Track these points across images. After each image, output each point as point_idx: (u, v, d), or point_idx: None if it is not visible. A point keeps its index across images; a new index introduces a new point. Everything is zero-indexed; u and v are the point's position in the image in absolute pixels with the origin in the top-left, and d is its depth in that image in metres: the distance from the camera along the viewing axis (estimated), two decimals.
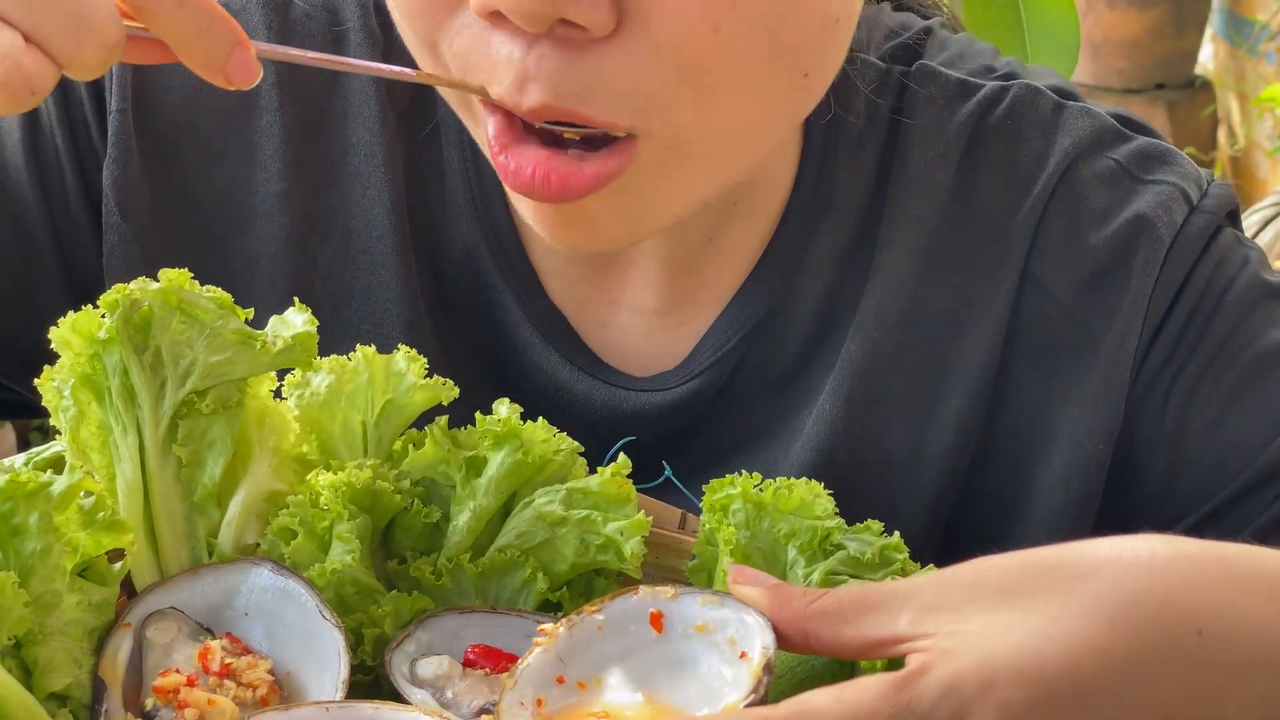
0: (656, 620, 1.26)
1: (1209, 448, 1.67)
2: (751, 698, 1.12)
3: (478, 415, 1.49)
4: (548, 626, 1.27)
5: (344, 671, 1.33)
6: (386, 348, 1.50)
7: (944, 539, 1.78)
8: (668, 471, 1.59)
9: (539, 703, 1.20)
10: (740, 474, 1.43)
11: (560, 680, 1.24)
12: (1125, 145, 1.75)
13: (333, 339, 1.46)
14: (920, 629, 1.09)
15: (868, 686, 1.05)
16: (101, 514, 1.36)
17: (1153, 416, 1.69)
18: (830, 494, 1.41)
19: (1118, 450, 1.71)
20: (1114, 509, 1.73)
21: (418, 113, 1.78)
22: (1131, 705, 1.03)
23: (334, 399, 1.49)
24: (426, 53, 1.45)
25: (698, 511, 1.51)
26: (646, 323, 1.77)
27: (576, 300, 1.78)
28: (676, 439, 1.72)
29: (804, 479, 1.42)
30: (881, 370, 1.73)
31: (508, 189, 1.47)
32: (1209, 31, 7.17)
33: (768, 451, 1.75)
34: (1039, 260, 1.73)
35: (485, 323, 1.78)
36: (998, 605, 1.07)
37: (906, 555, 1.40)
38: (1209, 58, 7.31)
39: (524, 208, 1.50)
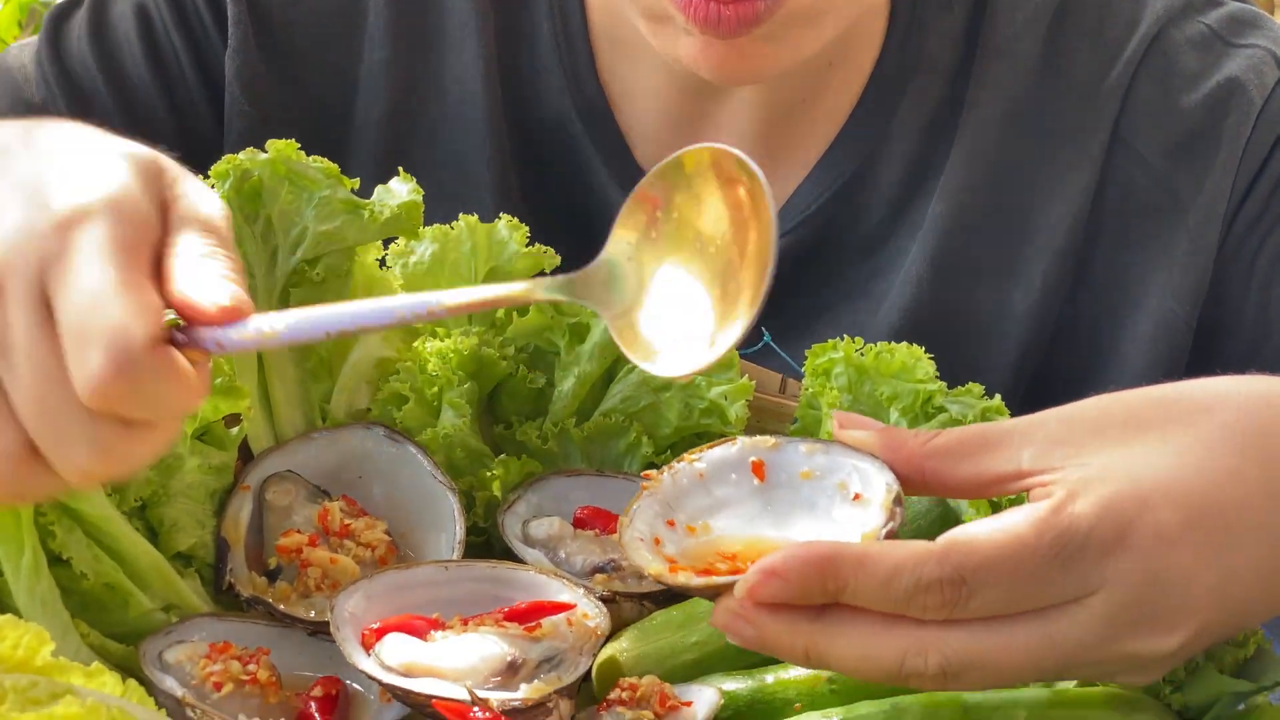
0: (759, 469, 1.25)
1: None
2: (890, 525, 1.10)
3: None
4: (651, 473, 1.26)
5: (460, 532, 1.36)
6: (478, 211, 1.52)
7: (1025, 404, 1.80)
8: (767, 337, 1.60)
9: (656, 541, 1.20)
10: (842, 338, 1.45)
11: (671, 524, 1.23)
12: (1215, 10, 1.75)
13: (427, 203, 1.48)
14: (1045, 463, 1.04)
15: (1020, 516, 1.02)
16: (219, 379, 1.39)
17: (1240, 279, 1.70)
18: (931, 358, 1.43)
19: (1204, 313, 1.72)
20: (1199, 374, 1.74)
21: None
22: (1266, 532, 1.04)
23: (438, 267, 1.51)
24: None
25: (796, 375, 1.54)
26: None
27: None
28: (767, 302, 1.73)
29: (904, 343, 1.44)
30: (968, 233, 1.74)
31: (650, 32, 1.53)
32: None
33: (855, 314, 1.76)
34: (1128, 124, 1.73)
35: (575, 188, 1.80)
36: (1126, 438, 1.06)
37: (1008, 417, 1.41)
38: None
39: (688, 49, 1.52)
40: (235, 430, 1.43)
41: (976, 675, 1.00)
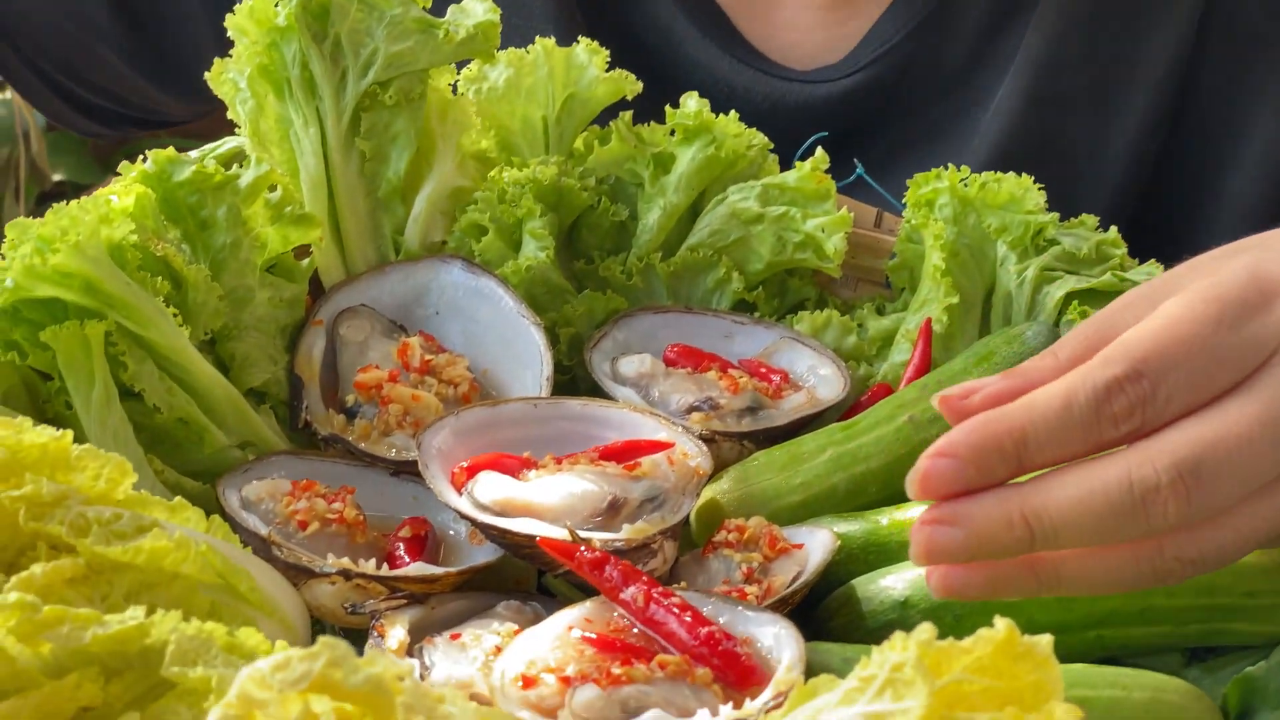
0: None
1: None
2: None
3: (667, 110, 1.42)
4: None
5: (548, 368, 1.29)
6: (533, 41, 1.43)
7: (1125, 238, 1.72)
8: (860, 169, 1.52)
9: None
10: (946, 167, 1.37)
11: None
12: None
13: None
14: None
15: (1169, 304, 0.95)
16: (289, 208, 1.31)
17: None
18: (1041, 188, 1.35)
19: None
20: None
21: None
22: None
23: (513, 93, 1.43)
24: None
25: (893, 209, 1.46)
26: (813, 17, 1.69)
27: None
28: (847, 138, 1.65)
29: (1012, 173, 1.36)
30: (1064, 65, 1.65)
31: None
32: None
33: (943, 151, 1.68)
34: None
35: (638, 15, 1.71)
36: None
37: (1125, 251, 1.34)
38: None
39: None
40: (305, 262, 1.36)
41: (1213, 468, 0.89)
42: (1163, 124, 1.67)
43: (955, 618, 1.08)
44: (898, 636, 0.77)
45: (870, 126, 1.69)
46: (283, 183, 1.32)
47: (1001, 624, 0.76)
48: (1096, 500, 0.89)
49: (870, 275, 1.45)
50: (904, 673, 0.76)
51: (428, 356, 1.29)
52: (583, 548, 1.08)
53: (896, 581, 1.11)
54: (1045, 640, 0.77)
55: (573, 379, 1.36)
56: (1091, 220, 1.35)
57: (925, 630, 0.77)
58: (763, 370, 1.33)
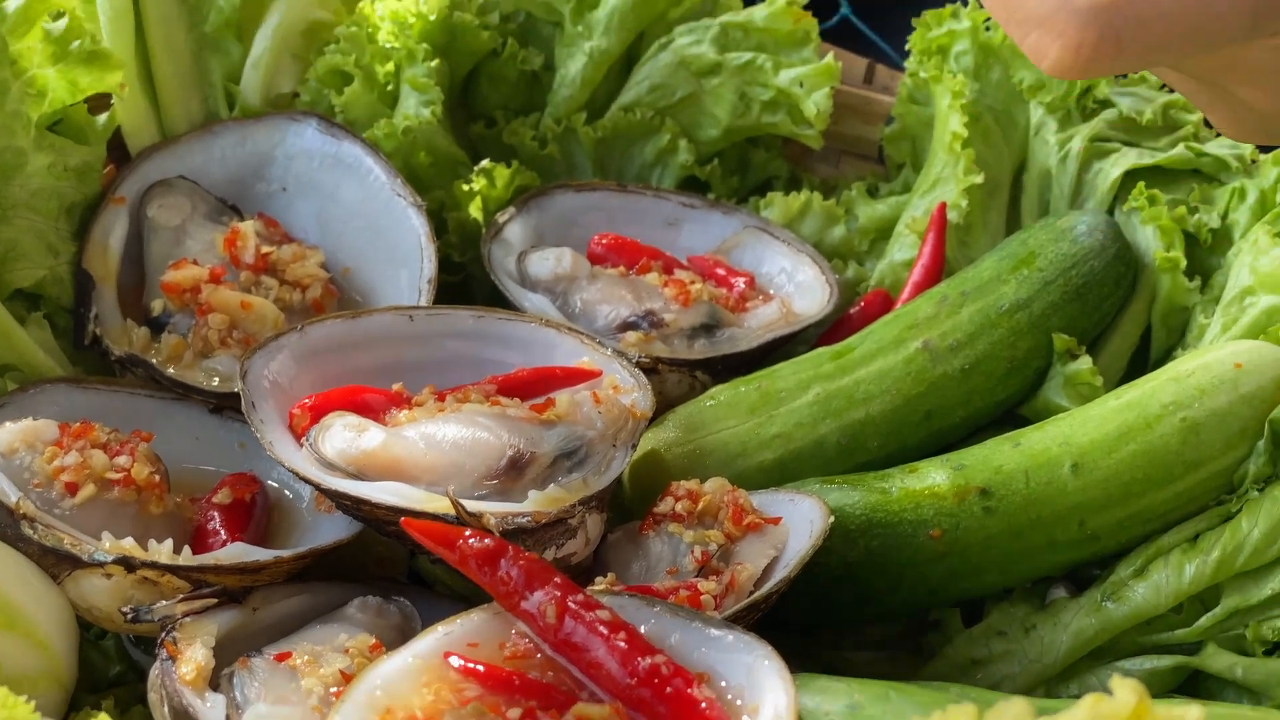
0: None
1: None
2: None
3: None
4: None
5: (429, 267, 0.96)
6: None
7: None
8: (845, 8, 1.18)
9: None
10: (965, 3, 1.04)
11: None
12: None
13: None
14: None
15: None
16: (78, 43, 0.97)
17: None
18: None
19: None
20: None
21: None
22: None
23: None
24: None
25: (890, 62, 1.13)
26: None
27: None
28: None
29: None
30: None
31: None
32: None
33: None
34: None
35: None
36: None
37: (1200, 117, 1.02)
38: None
39: None
40: (104, 118, 1.02)
41: None
42: None
43: None
44: None
45: None
46: (70, 9, 0.97)
47: None
48: None
49: (858, 147, 1.14)
50: None
51: (266, 249, 0.96)
52: (468, 531, 0.74)
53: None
54: None
55: (466, 281, 1.05)
56: (1154, 79, 1.03)
57: None
58: (720, 272, 1.01)
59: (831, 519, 0.82)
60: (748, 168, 1.12)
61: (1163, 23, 0.72)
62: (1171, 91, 1.04)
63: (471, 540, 0.74)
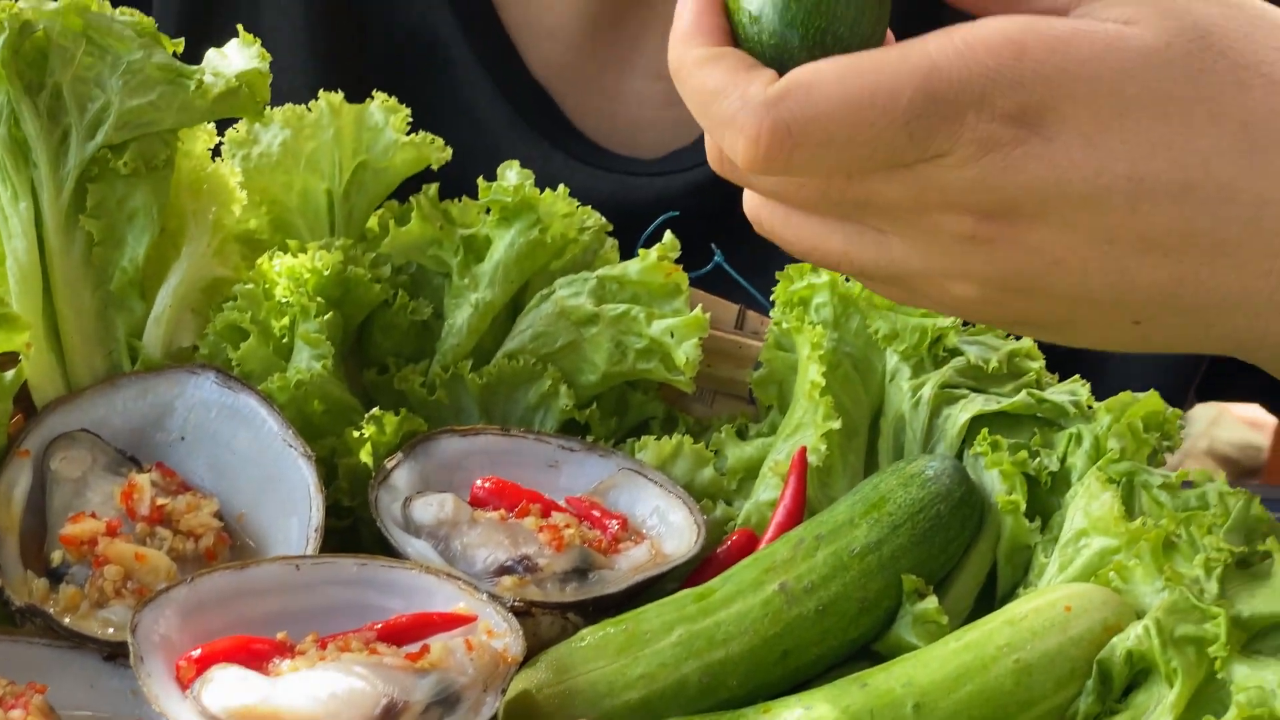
0: None
1: None
2: None
3: (480, 183, 1.16)
4: None
5: (317, 515, 1.01)
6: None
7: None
8: (718, 256, 1.25)
9: None
10: None
11: None
12: None
13: None
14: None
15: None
16: None
17: None
18: None
19: None
20: None
21: None
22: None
23: (290, 160, 1.17)
24: None
25: (760, 308, 1.20)
26: (664, 91, 1.43)
27: (570, 68, 1.44)
28: (712, 223, 1.39)
29: None
30: None
31: None
32: None
33: None
34: None
35: (448, 106, 1.44)
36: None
37: (1043, 363, 1.10)
38: None
39: None
40: (10, 375, 1.07)
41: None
42: None
43: None
44: None
45: (737, 216, 1.43)
46: None
47: None
48: None
49: (731, 388, 1.20)
50: None
51: (161, 500, 1.01)
52: None
53: None
54: None
55: (355, 525, 1.09)
56: (1001, 329, 1.10)
57: None
58: (596, 514, 1.06)
59: None
60: (626, 409, 1.18)
61: (826, 119, 0.75)
62: (1017, 339, 1.12)
63: None
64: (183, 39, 1.10)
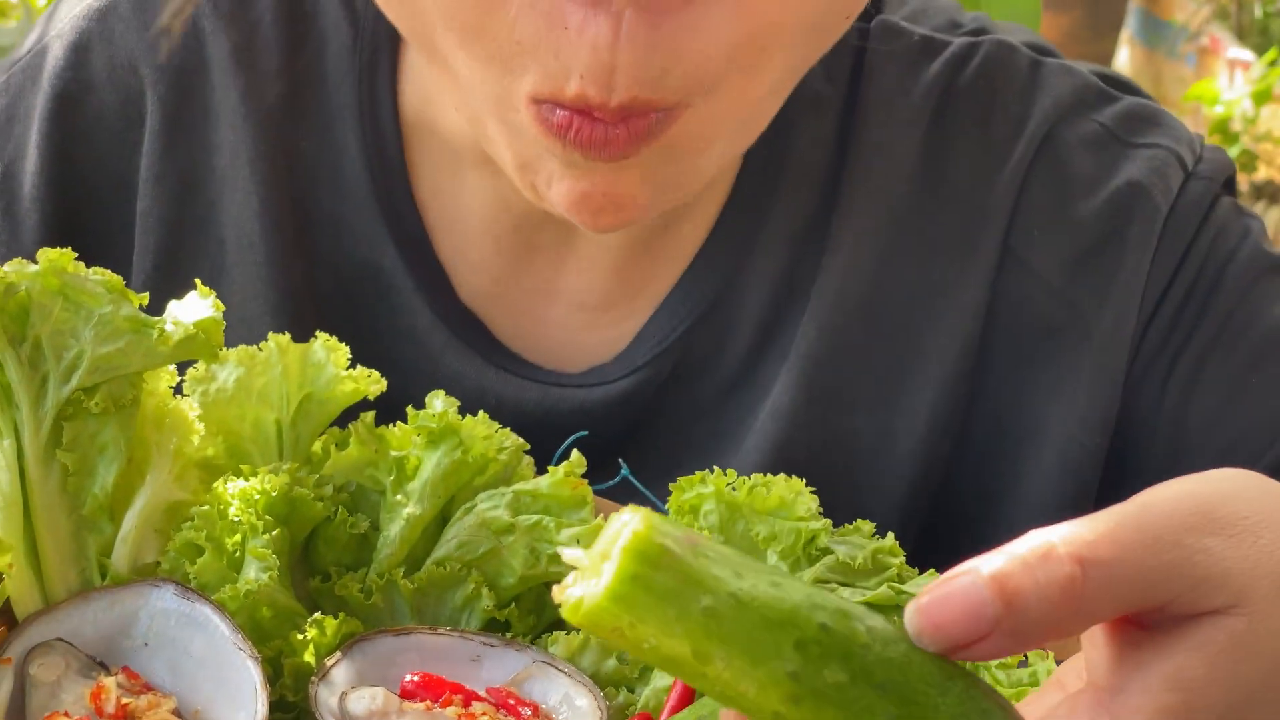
0: None
1: (1214, 437, 1.52)
2: None
3: (409, 410, 1.31)
4: None
5: (262, 710, 1.14)
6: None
7: (919, 542, 1.62)
8: (624, 470, 1.41)
9: None
10: (712, 470, 1.26)
11: None
12: (1111, 106, 1.60)
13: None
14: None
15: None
16: None
17: (1151, 403, 1.54)
18: (814, 492, 1.25)
19: (1114, 441, 1.55)
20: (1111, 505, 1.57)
21: (301, 102, 1.59)
22: None
23: (243, 395, 1.31)
24: (468, 40, 1.20)
25: (661, 513, 1.34)
26: (584, 318, 1.59)
27: (496, 296, 1.60)
28: (622, 438, 1.55)
29: (783, 475, 1.26)
30: (842, 360, 1.56)
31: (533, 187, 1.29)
32: (1125, 34, 7.11)
33: (722, 451, 1.57)
34: (1020, 236, 1.57)
35: (393, 329, 1.60)
36: None
37: (903, 559, 1.24)
38: (1125, 62, 7.24)
39: (563, 193, 1.27)
40: None
41: None
42: (954, 418, 1.58)
43: None
44: None
45: (650, 425, 1.59)
46: None
47: None
48: None
49: None
50: None
51: (126, 699, 1.14)
52: None
53: None
54: None
55: (298, 718, 1.21)
56: (868, 526, 1.25)
57: None
58: (511, 702, 1.20)
59: None
60: (543, 608, 1.31)
61: None
62: (882, 536, 1.26)
63: None
64: (148, 293, 1.26)
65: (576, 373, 1.58)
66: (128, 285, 1.25)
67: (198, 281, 1.29)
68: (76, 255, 1.22)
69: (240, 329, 1.55)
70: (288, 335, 1.32)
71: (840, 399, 1.56)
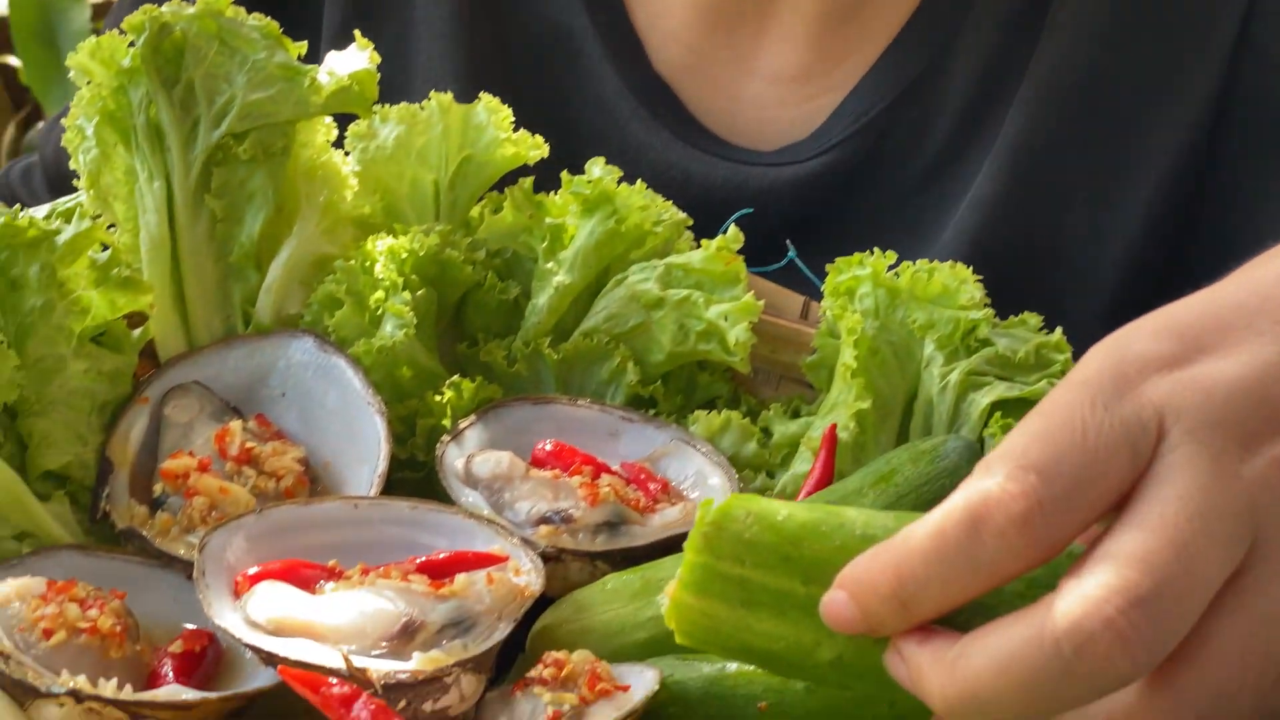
0: None
1: None
2: None
3: (564, 176, 1.26)
4: None
5: (382, 464, 1.12)
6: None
7: None
8: (792, 252, 1.34)
9: None
10: (872, 252, 1.19)
11: None
12: None
13: None
14: None
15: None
16: (117, 270, 1.17)
17: None
18: (980, 280, 1.16)
19: None
20: None
21: None
22: None
23: (402, 153, 1.27)
24: None
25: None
26: (780, 91, 1.51)
27: (691, 68, 1.52)
28: (807, 221, 1.46)
29: (950, 262, 1.18)
30: (1053, 149, 1.44)
31: None
32: None
33: (913, 240, 1.48)
34: (1260, 24, 1.43)
35: (580, 96, 1.54)
36: None
37: (1069, 355, 1.15)
38: None
39: None
40: (138, 332, 1.21)
41: (1156, 590, 0.69)
42: (1174, 222, 1.46)
43: None
44: None
45: (839, 209, 1.50)
46: (112, 241, 1.18)
47: None
48: (1016, 668, 0.70)
49: (793, 372, 1.27)
50: None
51: (251, 444, 1.13)
52: (333, 679, 0.90)
53: None
54: None
55: (428, 477, 1.19)
56: (1035, 320, 1.17)
57: None
58: (642, 477, 1.16)
59: (658, 686, 0.96)
60: (694, 388, 1.26)
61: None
62: (1050, 332, 1.17)
63: (333, 687, 0.90)
64: (305, 43, 1.23)
65: (770, 151, 1.51)
66: (317, 43, 1.23)
67: (357, 33, 1.26)
68: (265, 7, 1.20)
69: (426, 92, 1.52)
70: (450, 94, 1.28)
71: (1048, 191, 1.45)
